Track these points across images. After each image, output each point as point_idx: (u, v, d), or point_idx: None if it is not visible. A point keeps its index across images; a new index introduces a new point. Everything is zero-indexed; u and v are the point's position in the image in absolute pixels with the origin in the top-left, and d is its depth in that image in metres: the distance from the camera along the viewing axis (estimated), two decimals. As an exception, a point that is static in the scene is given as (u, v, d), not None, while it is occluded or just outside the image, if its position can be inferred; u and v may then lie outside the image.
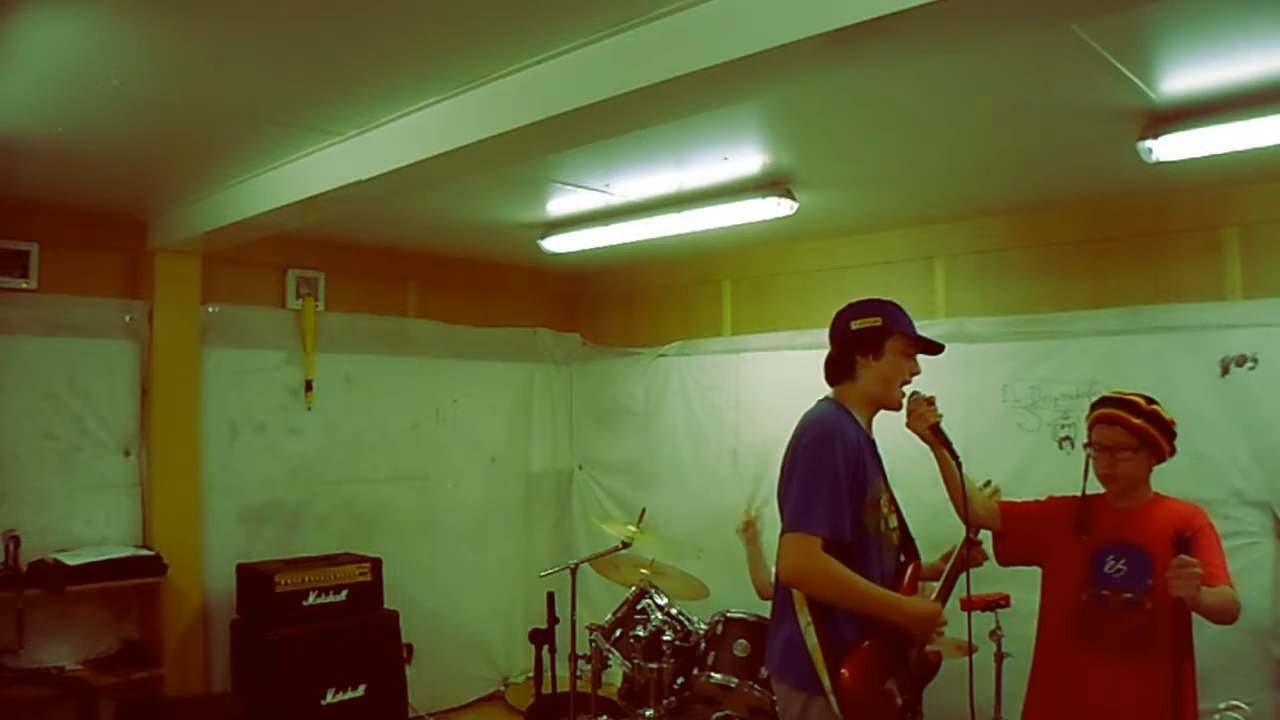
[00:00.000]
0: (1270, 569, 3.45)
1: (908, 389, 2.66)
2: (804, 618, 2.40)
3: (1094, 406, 2.73)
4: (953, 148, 3.29)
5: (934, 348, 2.64)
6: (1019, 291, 4.17)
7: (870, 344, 2.56)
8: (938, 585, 2.76)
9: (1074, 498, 2.76)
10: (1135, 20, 2.20)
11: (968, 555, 2.79)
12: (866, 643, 2.40)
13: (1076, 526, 2.68)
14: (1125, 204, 3.87)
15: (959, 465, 2.68)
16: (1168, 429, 2.65)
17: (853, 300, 2.68)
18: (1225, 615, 2.39)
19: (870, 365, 2.57)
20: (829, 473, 2.38)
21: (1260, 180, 3.51)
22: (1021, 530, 2.82)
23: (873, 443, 2.62)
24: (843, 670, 2.34)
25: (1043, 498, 2.89)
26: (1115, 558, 2.60)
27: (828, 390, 2.66)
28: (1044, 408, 3.99)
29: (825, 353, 2.68)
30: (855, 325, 2.58)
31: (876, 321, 2.57)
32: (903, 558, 2.63)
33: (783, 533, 2.41)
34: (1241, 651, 3.35)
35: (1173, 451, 2.69)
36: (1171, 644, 2.36)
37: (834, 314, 2.68)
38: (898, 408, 2.64)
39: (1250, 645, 3.37)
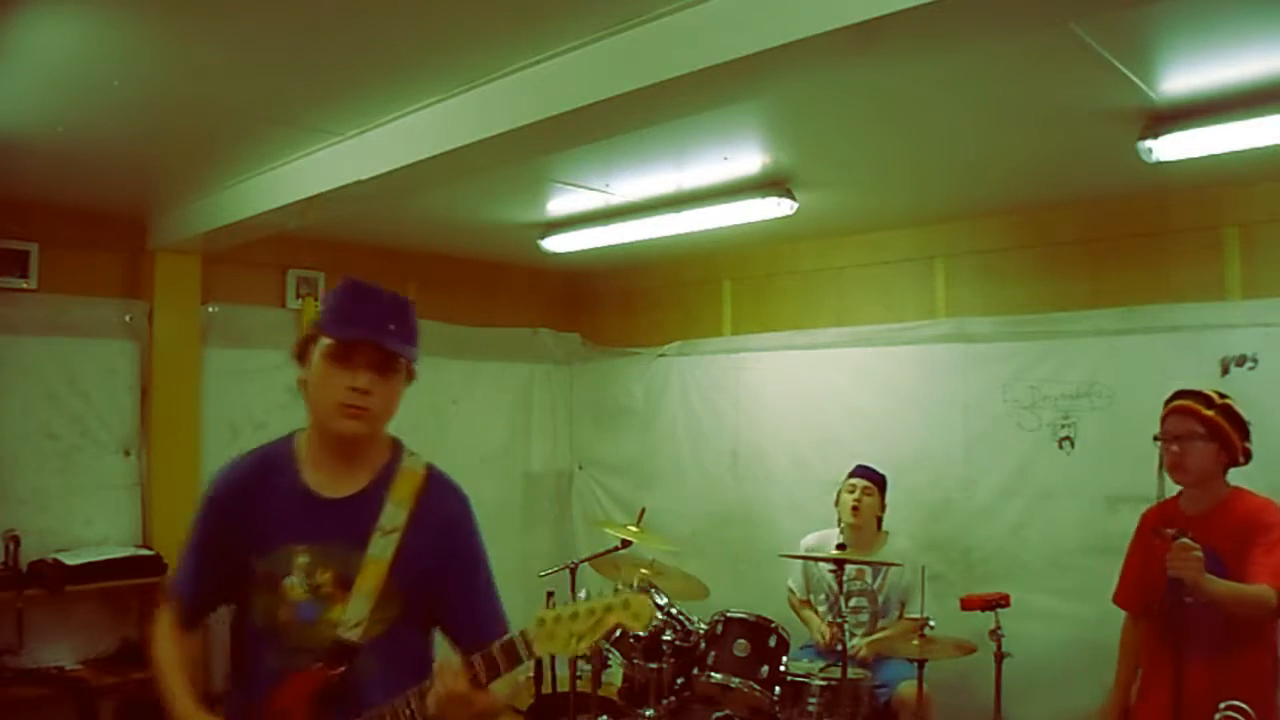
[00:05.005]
0: (1270, 569, 3.46)
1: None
2: None
3: (1166, 402, 2.75)
4: (952, 148, 3.29)
5: (355, 343, 1.78)
6: (1019, 291, 4.16)
7: (302, 347, 1.86)
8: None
9: (1151, 511, 2.80)
10: (1135, 20, 2.20)
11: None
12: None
13: (1154, 533, 2.68)
14: (1125, 204, 3.87)
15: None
16: (1240, 423, 2.65)
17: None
18: (1243, 607, 2.44)
19: (303, 379, 1.85)
20: (194, 535, 1.88)
21: (1260, 180, 3.51)
22: (1142, 591, 2.82)
23: (312, 496, 1.82)
24: None
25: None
26: None
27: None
28: (1044, 408, 3.98)
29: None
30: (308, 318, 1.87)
31: (315, 314, 1.79)
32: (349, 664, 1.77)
33: None
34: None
35: (1246, 454, 2.66)
36: (1256, 639, 2.44)
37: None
38: (340, 436, 1.85)
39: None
